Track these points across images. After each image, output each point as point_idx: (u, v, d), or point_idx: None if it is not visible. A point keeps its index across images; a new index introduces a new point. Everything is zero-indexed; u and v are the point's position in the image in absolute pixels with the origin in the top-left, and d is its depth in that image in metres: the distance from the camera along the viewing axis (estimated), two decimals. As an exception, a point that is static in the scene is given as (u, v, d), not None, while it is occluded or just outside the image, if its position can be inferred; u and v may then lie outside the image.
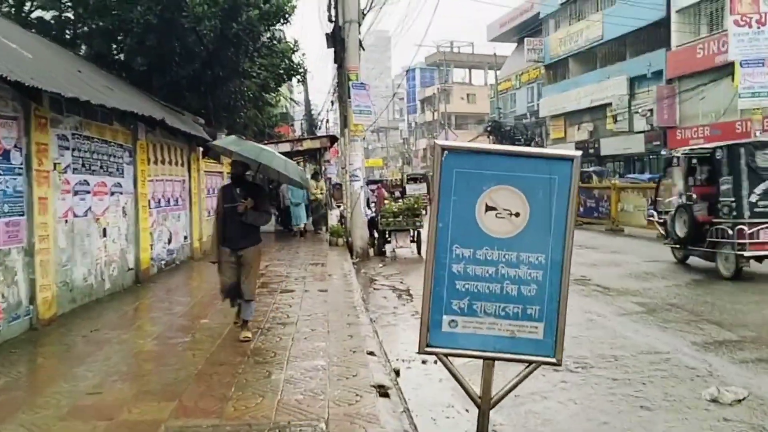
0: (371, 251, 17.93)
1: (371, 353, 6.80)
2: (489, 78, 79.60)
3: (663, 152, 36.40)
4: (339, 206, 27.35)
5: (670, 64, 35.85)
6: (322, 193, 22.94)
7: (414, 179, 40.46)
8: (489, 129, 56.16)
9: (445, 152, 3.62)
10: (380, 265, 15.99)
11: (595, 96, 42.21)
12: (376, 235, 18.39)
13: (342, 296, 10.35)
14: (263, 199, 7.75)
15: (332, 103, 35.71)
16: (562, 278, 3.70)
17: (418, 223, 17.73)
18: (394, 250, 18.27)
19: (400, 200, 19.87)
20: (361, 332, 7.77)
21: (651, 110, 36.97)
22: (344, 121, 19.51)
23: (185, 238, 14.99)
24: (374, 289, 12.69)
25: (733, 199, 11.96)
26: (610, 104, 40.57)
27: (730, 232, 11.94)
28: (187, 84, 19.79)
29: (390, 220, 17.69)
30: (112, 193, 10.58)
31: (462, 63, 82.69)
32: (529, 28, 51.98)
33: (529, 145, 51.36)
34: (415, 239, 17.95)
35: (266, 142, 24.87)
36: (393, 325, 9.41)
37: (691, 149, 15.08)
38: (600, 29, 41.95)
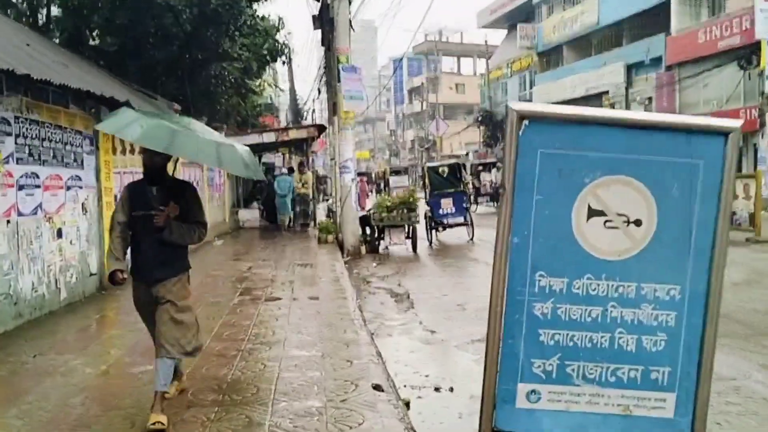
0: (363, 248, 16.60)
1: (377, 387, 5.44)
2: (478, 67, 78.25)
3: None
4: (327, 200, 26.11)
5: (669, 50, 34.56)
6: (305, 186, 21.48)
7: (396, 172, 42.28)
8: (480, 119, 54.86)
9: (525, 122, 2.25)
10: (374, 265, 14.66)
11: (590, 84, 40.89)
12: (368, 231, 17.06)
13: (335, 305, 8.98)
14: (194, 204, 5.08)
15: (318, 91, 34.21)
16: (707, 322, 2.34)
17: (413, 218, 16.45)
18: (387, 247, 16.95)
19: (382, 192, 18.87)
20: (362, 355, 6.40)
21: (650, 98, 35.72)
22: (333, 109, 18.14)
23: (160, 236, 13.55)
24: (369, 293, 11.34)
25: None
26: (606, 92, 39.24)
27: None
28: (163, 68, 18.29)
29: (384, 215, 16.37)
30: (69, 188, 9.13)
31: (451, 52, 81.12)
32: (521, 15, 50.54)
33: (521, 135, 50.06)
34: (411, 235, 16.66)
35: (249, 131, 23.50)
36: (395, 339, 8.07)
37: None
38: (596, 14, 40.64)
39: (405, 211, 16.39)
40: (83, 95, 9.00)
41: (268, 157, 33.41)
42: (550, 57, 47.47)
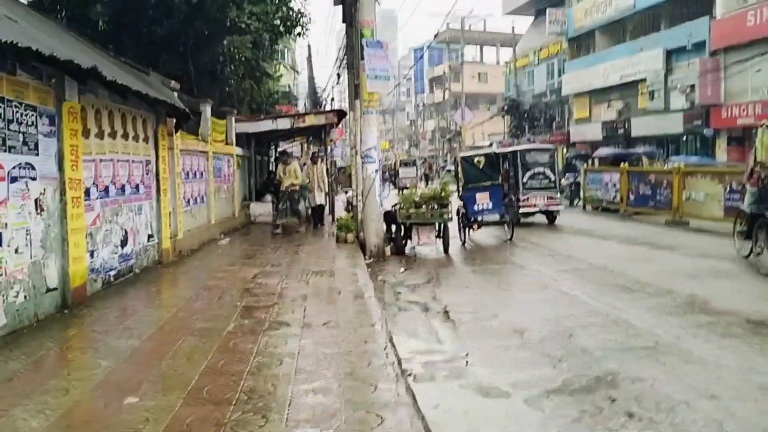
0: (388, 249, 14.48)
1: None
2: (501, 56, 75.91)
3: (705, 131, 32.89)
4: (346, 192, 24.02)
5: (714, 34, 32.10)
6: (293, 178, 18.33)
7: (406, 164, 47.22)
8: (506, 108, 52.61)
9: None
10: (401, 270, 12.53)
11: (626, 71, 38.46)
12: (393, 229, 14.95)
13: (360, 337, 6.80)
14: None
15: (338, 76, 32.07)
16: None
17: (445, 215, 14.33)
18: (414, 248, 14.82)
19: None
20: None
21: (692, 86, 33.28)
22: (355, 91, 16.02)
23: (150, 237, 11.45)
24: (399, 309, 9.19)
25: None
26: (643, 80, 36.82)
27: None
28: (163, 44, 16.17)
29: (412, 211, 14.24)
30: (15, 179, 7.01)
31: (473, 40, 78.52)
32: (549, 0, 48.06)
33: (550, 126, 47.81)
34: (442, 234, 14.53)
35: (262, 117, 21.51)
36: (441, 388, 5.85)
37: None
38: (632, -3, 38.25)
39: (436, 207, 14.30)
40: (33, 59, 6.89)
41: (284, 146, 31.44)
42: (581, 43, 45.07)
